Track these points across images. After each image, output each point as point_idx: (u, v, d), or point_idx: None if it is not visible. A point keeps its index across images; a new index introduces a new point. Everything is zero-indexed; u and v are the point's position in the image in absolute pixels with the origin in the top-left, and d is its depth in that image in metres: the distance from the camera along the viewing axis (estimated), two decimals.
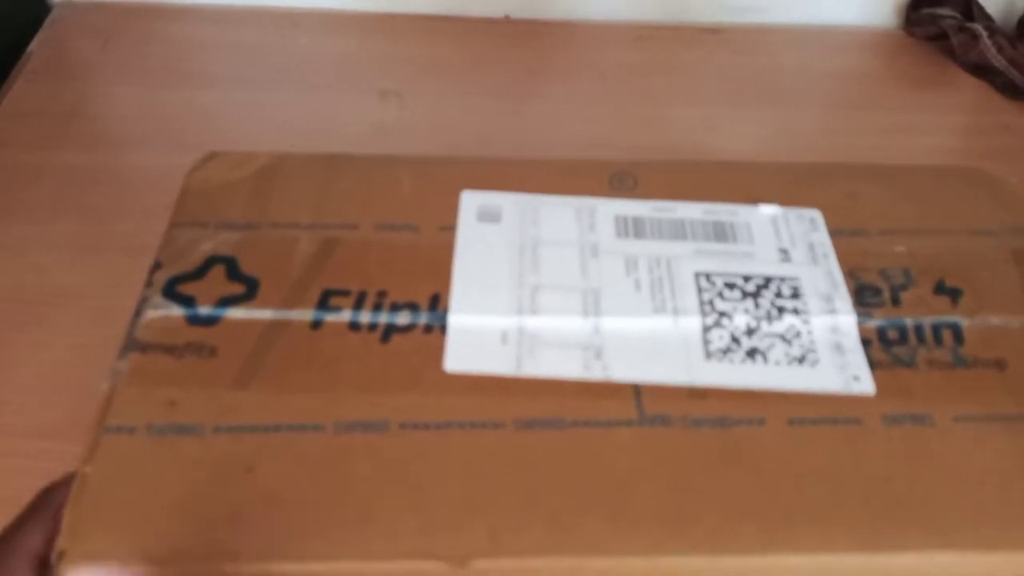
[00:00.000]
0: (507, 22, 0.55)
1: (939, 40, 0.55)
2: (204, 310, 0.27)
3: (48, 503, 0.23)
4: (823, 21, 0.56)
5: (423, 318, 0.27)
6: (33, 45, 0.48)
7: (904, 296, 0.29)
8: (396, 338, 0.27)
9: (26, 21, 0.47)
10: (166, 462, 0.23)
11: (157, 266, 0.28)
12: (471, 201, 0.31)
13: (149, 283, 0.27)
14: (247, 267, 0.28)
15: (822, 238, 0.30)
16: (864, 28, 0.57)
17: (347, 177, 0.31)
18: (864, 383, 0.26)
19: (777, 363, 0.27)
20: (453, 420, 0.25)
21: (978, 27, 0.53)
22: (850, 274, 0.29)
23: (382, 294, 0.28)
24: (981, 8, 0.55)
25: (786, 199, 0.32)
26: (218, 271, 0.28)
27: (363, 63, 0.52)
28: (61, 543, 0.22)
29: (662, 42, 0.54)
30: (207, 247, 0.28)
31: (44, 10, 0.50)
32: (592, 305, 0.28)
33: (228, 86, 0.50)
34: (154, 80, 0.50)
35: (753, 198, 0.31)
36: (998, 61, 0.53)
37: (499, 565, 0.22)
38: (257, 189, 0.31)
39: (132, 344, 0.26)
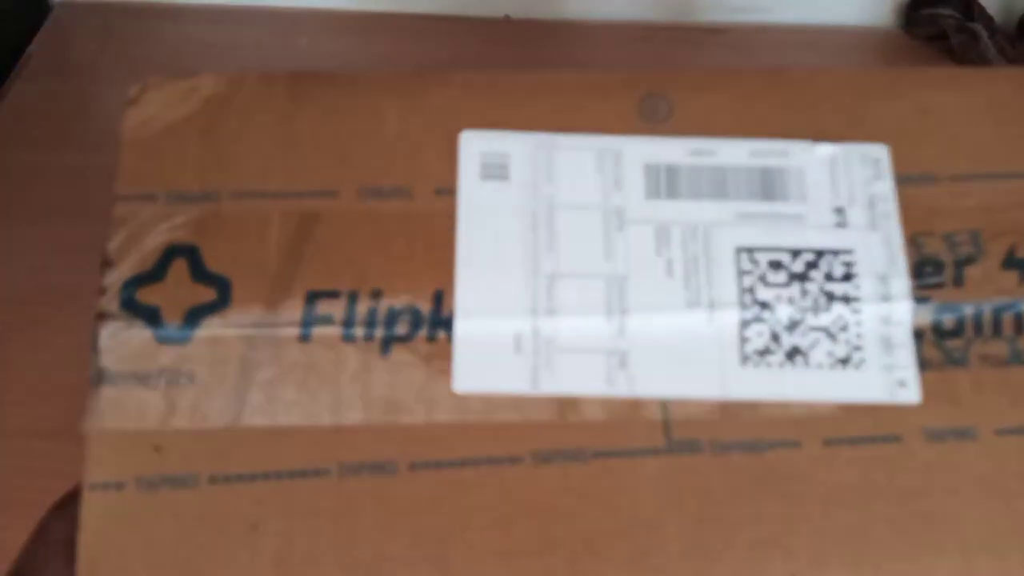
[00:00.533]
0: (507, 22, 0.55)
1: (939, 40, 0.55)
2: (173, 325, 0.23)
3: (73, 500, 0.23)
4: (823, 21, 0.56)
5: (425, 324, 0.24)
6: (33, 45, 0.49)
7: (968, 272, 0.25)
8: (397, 350, 0.24)
9: (26, 21, 0.47)
10: (163, 522, 0.22)
11: (107, 263, 0.24)
12: (472, 148, 0.25)
13: (103, 290, 0.23)
14: (213, 260, 0.24)
15: (885, 189, 0.26)
16: (864, 28, 0.56)
17: (317, 113, 0.25)
18: (910, 390, 0.24)
19: (819, 366, 0.24)
20: (468, 457, 0.23)
21: (978, 27, 0.52)
22: (912, 242, 0.25)
23: (377, 294, 0.24)
24: (981, 8, 0.54)
25: (847, 121, 0.26)
26: (180, 268, 0.24)
27: (363, 63, 0.51)
28: None
29: (663, 42, 0.54)
30: (162, 236, 0.24)
31: (44, 10, 0.50)
32: (617, 298, 0.24)
33: None
34: None
35: (809, 125, 0.26)
36: (998, 61, 0.51)
37: None
38: (209, 135, 0.25)
39: (100, 376, 0.23)
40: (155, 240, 0.24)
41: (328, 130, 0.25)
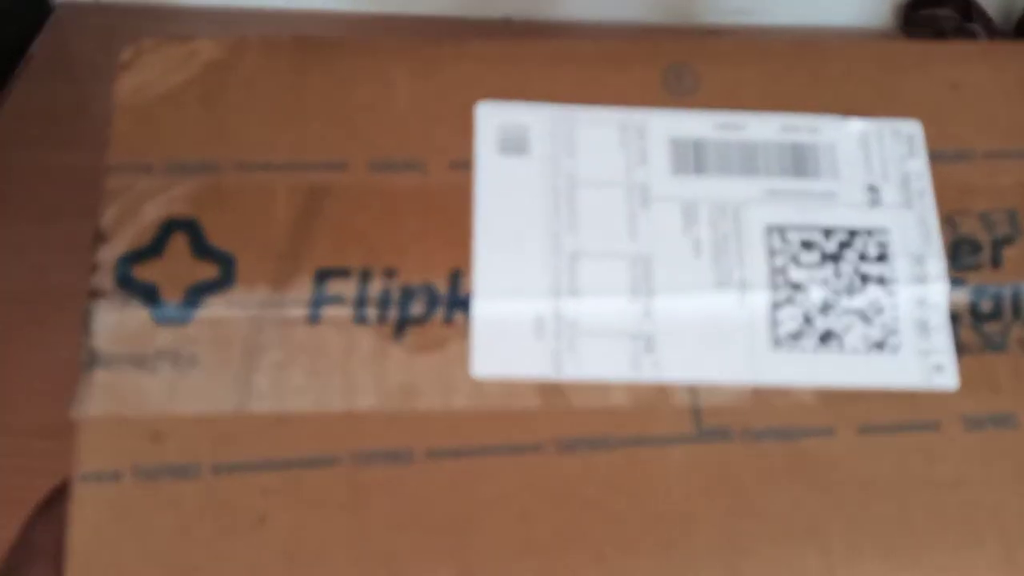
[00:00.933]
0: (507, 24, 0.55)
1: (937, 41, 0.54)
2: (172, 304, 0.22)
3: (59, 499, 0.21)
4: (822, 22, 0.56)
5: (442, 305, 0.22)
6: (35, 46, 0.48)
7: (1006, 253, 0.24)
8: (411, 332, 0.22)
9: (28, 22, 0.47)
10: (163, 514, 0.21)
11: (100, 237, 0.22)
12: (489, 120, 0.24)
13: (95, 266, 0.22)
14: (215, 235, 0.22)
15: (919, 166, 0.25)
16: (863, 29, 0.55)
17: (324, 81, 0.24)
18: (947, 375, 0.23)
19: (854, 350, 0.23)
20: (487, 445, 0.22)
21: (977, 27, 0.52)
22: (947, 221, 0.24)
23: (390, 272, 0.22)
24: (980, 9, 0.54)
25: (878, 94, 0.25)
26: (179, 243, 0.22)
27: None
28: None
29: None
30: (160, 208, 0.22)
31: (46, 11, 0.49)
32: (642, 279, 0.23)
33: None
34: None
35: (840, 100, 0.25)
36: None
37: None
38: (209, 102, 0.23)
39: (93, 358, 0.21)
40: (152, 213, 0.22)
41: (336, 99, 0.24)
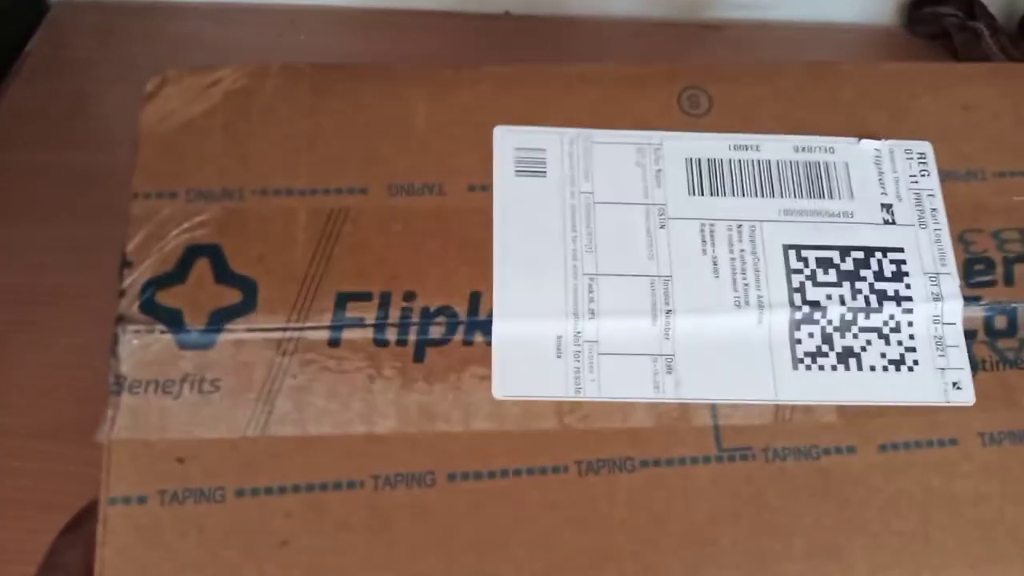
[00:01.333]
0: (507, 18, 0.54)
1: (941, 39, 0.54)
2: (196, 329, 0.22)
3: (89, 517, 0.21)
4: (825, 18, 0.55)
5: (462, 327, 0.23)
6: (32, 44, 0.48)
7: (1019, 271, 0.24)
8: (432, 355, 0.22)
9: (25, 20, 0.46)
10: (189, 537, 0.21)
11: (126, 264, 0.22)
12: (507, 143, 0.24)
13: (122, 292, 0.22)
14: (237, 261, 0.23)
15: (932, 184, 0.25)
16: (866, 26, 0.55)
17: (343, 107, 0.24)
18: (964, 391, 0.23)
19: (872, 368, 0.23)
20: (509, 467, 0.22)
21: (980, 26, 0.52)
22: (960, 239, 0.25)
23: (410, 296, 0.23)
24: (983, 7, 0.53)
25: (889, 116, 0.26)
26: (202, 269, 0.22)
27: (361, 60, 0.48)
28: None
29: (663, 39, 0.53)
30: (183, 235, 0.23)
31: (43, 9, 0.49)
32: (661, 299, 0.23)
33: None
34: None
35: (852, 122, 0.25)
36: (1000, 60, 0.50)
37: None
38: (230, 131, 0.24)
39: (120, 383, 0.21)
40: (176, 240, 0.22)
41: (355, 125, 0.24)
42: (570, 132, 0.25)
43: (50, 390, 0.32)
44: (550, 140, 0.25)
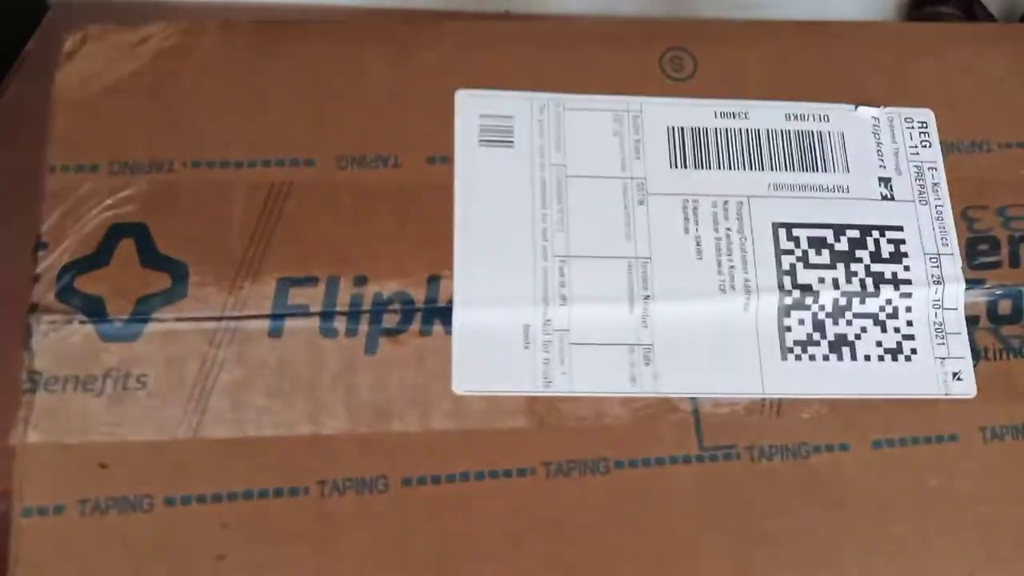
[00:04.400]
0: (507, 18, 0.49)
1: None
2: (120, 319, 0.20)
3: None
4: (824, 18, 0.52)
5: (419, 315, 0.20)
6: (31, 45, 0.44)
7: None
8: (385, 346, 0.20)
9: (24, 21, 0.44)
10: (112, 551, 0.18)
11: (41, 246, 0.20)
12: (470, 110, 0.22)
13: (36, 277, 0.20)
14: (166, 242, 0.20)
15: (934, 156, 0.23)
16: (865, 24, 0.50)
17: (287, 67, 0.22)
18: (965, 382, 0.22)
19: (867, 358, 0.21)
20: (470, 470, 0.20)
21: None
22: (963, 216, 0.23)
23: (361, 280, 0.20)
24: (983, 7, 0.51)
25: (889, 81, 0.24)
26: (127, 250, 0.20)
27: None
28: None
29: None
30: (105, 212, 0.20)
31: (42, 10, 0.46)
32: (639, 283, 0.21)
33: None
34: None
35: (848, 88, 0.23)
36: None
37: None
38: (160, 94, 0.21)
39: (34, 380, 0.19)
40: (98, 218, 0.20)
41: (300, 88, 0.22)
42: (540, 97, 0.22)
43: None
44: (518, 106, 0.22)
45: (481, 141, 0.22)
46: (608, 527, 0.20)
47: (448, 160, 0.22)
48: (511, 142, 0.22)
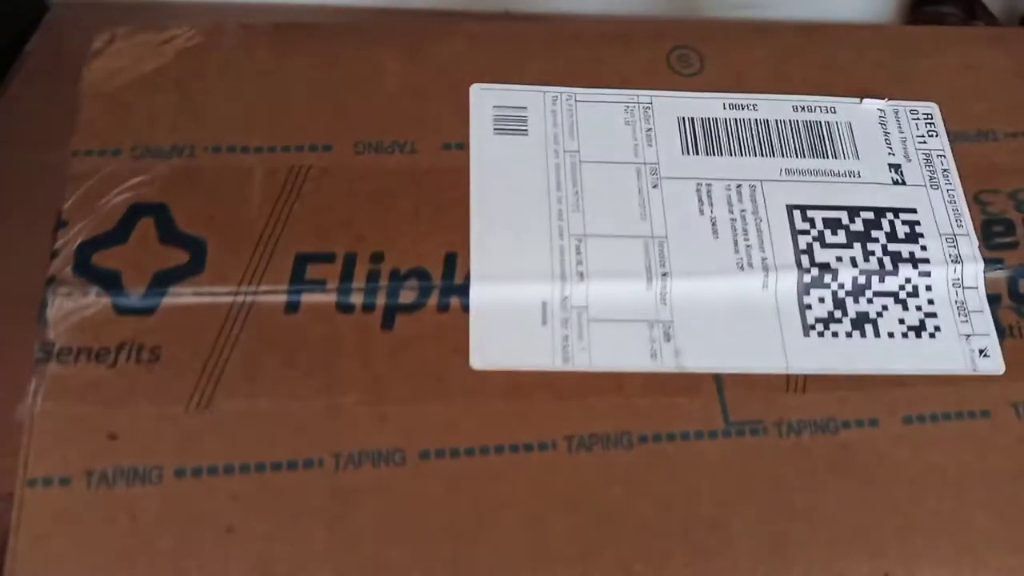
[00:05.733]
0: (507, 17, 0.52)
1: None
2: (135, 293, 0.19)
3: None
4: (826, 18, 0.56)
5: (436, 291, 0.20)
6: (31, 44, 0.45)
7: None
8: (402, 321, 0.20)
9: (25, 20, 0.45)
10: (118, 524, 0.18)
11: (61, 224, 0.20)
12: (484, 102, 0.22)
13: (55, 253, 0.20)
14: (185, 220, 0.20)
15: (941, 145, 0.23)
16: (867, 25, 0.53)
17: (307, 63, 0.22)
18: (992, 359, 0.21)
19: (890, 335, 0.21)
20: (489, 443, 0.19)
21: (980, 26, 0.50)
22: (976, 200, 0.23)
23: (378, 257, 0.20)
24: (983, 7, 0.51)
25: (891, 78, 0.24)
26: (146, 228, 0.20)
27: None
28: None
29: None
30: (126, 192, 0.20)
31: (43, 9, 0.47)
32: (656, 261, 0.21)
33: None
34: None
35: (853, 83, 0.24)
36: None
37: None
38: (183, 87, 0.22)
39: (46, 350, 0.19)
40: (118, 198, 0.20)
41: (319, 82, 0.22)
42: (552, 90, 0.23)
43: None
44: (531, 98, 0.23)
45: (496, 130, 0.22)
46: (632, 503, 0.19)
47: (463, 146, 0.22)
48: (525, 130, 0.22)
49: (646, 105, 0.23)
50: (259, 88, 0.22)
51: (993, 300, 0.22)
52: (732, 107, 0.23)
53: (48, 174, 0.44)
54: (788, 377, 0.20)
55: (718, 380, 0.20)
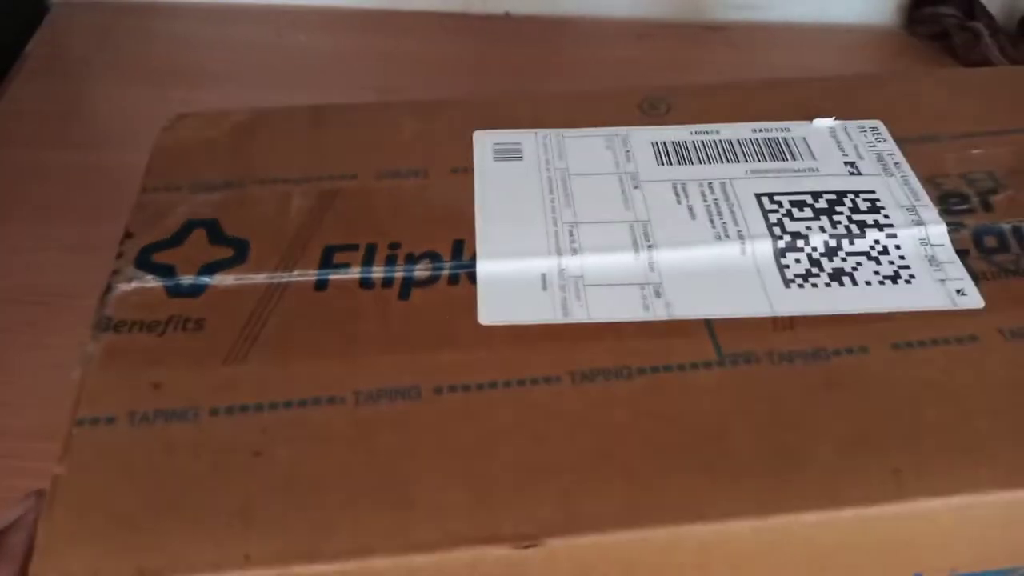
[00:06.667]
0: (507, 19, 0.54)
1: (941, 39, 0.55)
2: (186, 279, 0.22)
3: (34, 505, 0.20)
4: (826, 19, 0.56)
5: (446, 268, 0.23)
6: (31, 44, 0.48)
7: (995, 200, 0.25)
8: (417, 294, 0.22)
9: (24, 20, 0.47)
10: (155, 455, 0.19)
11: (127, 236, 0.24)
12: (485, 140, 0.27)
13: (119, 255, 0.23)
14: (232, 228, 0.24)
15: (890, 147, 0.27)
16: (866, 26, 0.56)
17: (338, 127, 0.27)
18: (971, 297, 0.22)
19: (868, 283, 0.23)
20: (498, 379, 0.21)
21: (979, 26, 0.53)
22: (929, 181, 0.25)
23: (395, 246, 0.23)
24: (983, 7, 0.55)
25: (840, 111, 0.28)
26: (198, 236, 0.24)
27: (361, 61, 0.51)
28: (34, 567, 0.18)
29: (663, 39, 0.53)
30: (183, 210, 0.24)
31: (42, 9, 0.49)
32: (642, 238, 0.24)
33: (226, 84, 0.49)
34: (152, 79, 0.49)
35: (803, 114, 0.28)
36: (1000, 61, 0.51)
37: (578, 542, 0.18)
38: (236, 146, 0.26)
39: (103, 323, 0.21)
40: (177, 215, 0.24)
41: (348, 136, 0.27)
42: (542, 131, 0.27)
43: (47, 391, 0.31)
44: (525, 137, 0.27)
45: (495, 157, 0.26)
46: (637, 422, 0.20)
47: (468, 170, 0.26)
48: (520, 156, 0.26)
49: (624, 136, 0.27)
50: (298, 142, 0.27)
51: (962, 254, 0.23)
52: (698, 133, 0.27)
53: (48, 174, 0.46)
54: (775, 319, 0.22)
55: (708, 324, 0.22)
